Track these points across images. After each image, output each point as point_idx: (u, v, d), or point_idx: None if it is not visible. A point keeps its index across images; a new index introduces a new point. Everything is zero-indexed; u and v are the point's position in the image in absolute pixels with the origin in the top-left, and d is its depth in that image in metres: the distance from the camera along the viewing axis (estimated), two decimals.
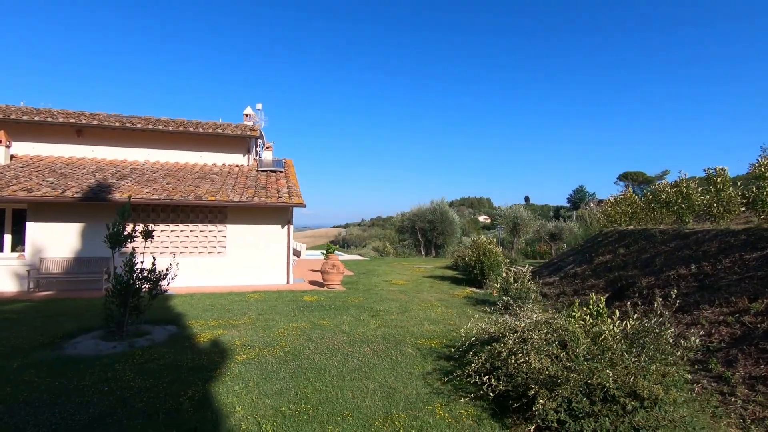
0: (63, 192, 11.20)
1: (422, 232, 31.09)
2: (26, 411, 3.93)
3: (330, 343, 6.32)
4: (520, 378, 3.86)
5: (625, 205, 13.49)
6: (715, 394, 4.51)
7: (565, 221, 31.38)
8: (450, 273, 17.17)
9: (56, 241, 11.72)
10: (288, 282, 13.45)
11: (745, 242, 7.53)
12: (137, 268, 6.68)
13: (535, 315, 5.21)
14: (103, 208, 12.04)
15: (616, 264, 10.39)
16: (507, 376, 4.06)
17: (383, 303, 9.84)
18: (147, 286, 6.81)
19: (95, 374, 4.89)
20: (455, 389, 4.61)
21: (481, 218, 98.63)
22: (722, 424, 3.94)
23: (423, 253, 31.52)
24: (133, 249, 6.89)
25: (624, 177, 78.59)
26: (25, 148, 14.22)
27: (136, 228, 6.95)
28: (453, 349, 5.72)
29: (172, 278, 7.07)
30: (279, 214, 13.51)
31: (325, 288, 12.59)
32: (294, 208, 13.73)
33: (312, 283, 13.84)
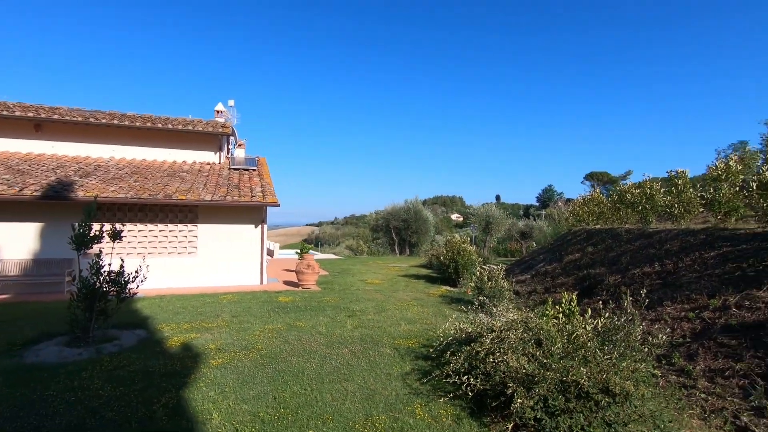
0: (21, 190, 10.61)
1: (396, 231, 31.22)
2: None
3: (307, 345, 6.27)
4: (497, 377, 3.94)
5: (593, 205, 13.99)
6: (679, 387, 4.74)
7: (534, 220, 32.22)
8: (425, 272, 17.32)
9: (13, 242, 11.10)
10: (262, 282, 13.24)
11: (703, 241, 7.95)
12: (104, 271, 6.41)
13: (511, 314, 5.33)
14: (64, 208, 11.49)
15: (584, 262, 10.76)
16: (485, 376, 4.14)
17: (359, 303, 9.83)
18: (115, 289, 6.55)
19: (60, 383, 4.67)
20: (434, 389, 4.67)
21: (454, 216, 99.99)
22: (685, 416, 4.15)
23: (397, 251, 31.67)
24: (100, 250, 6.62)
25: (590, 177, 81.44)
26: None
27: (104, 229, 6.66)
28: (431, 349, 5.79)
29: (142, 281, 6.83)
30: (252, 213, 13.26)
31: (300, 288, 12.47)
32: (268, 208, 13.52)
33: (286, 283, 13.67)
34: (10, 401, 4.21)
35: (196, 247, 12.77)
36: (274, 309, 8.93)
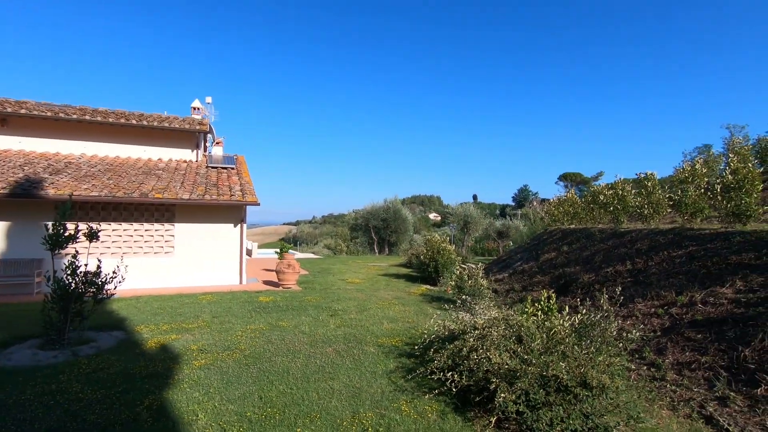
0: None
1: (376, 231, 31.31)
2: None
3: (291, 345, 6.27)
4: (480, 373, 4.07)
5: (567, 205, 14.42)
6: (650, 379, 4.99)
7: (511, 219, 32.87)
8: (404, 271, 17.47)
9: None
10: (241, 282, 13.09)
11: (671, 241, 8.34)
12: (81, 271, 6.24)
13: (493, 312, 5.48)
14: (33, 207, 11.09)
15: (560, 261, 11.10)
16: (468, 372, 4.26)
17: (341, 302, 9.86)
18: (91, 290, 6.38)
19: (37, 387, 4.54)
20: (419, 386, 4.76)
21: (431, 215, 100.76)
22: (656, 407, 4.39)
23: (376, 251, 31.77)
24: (76, 250, 6.44)
25: (563, 177, 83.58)
26: None
27: (79, 228, 6.48)
28: (414, 347, 5.90)
29: (120, 281, 6.68)
30: (231, 212, 13.10)
31: (281, 288, 12.39)
32: (247, 207, 13.37)
33: (266, 282, 13.56)
34: None
35: (173, 247, 12.52)
36: (255, 309, 8.87)
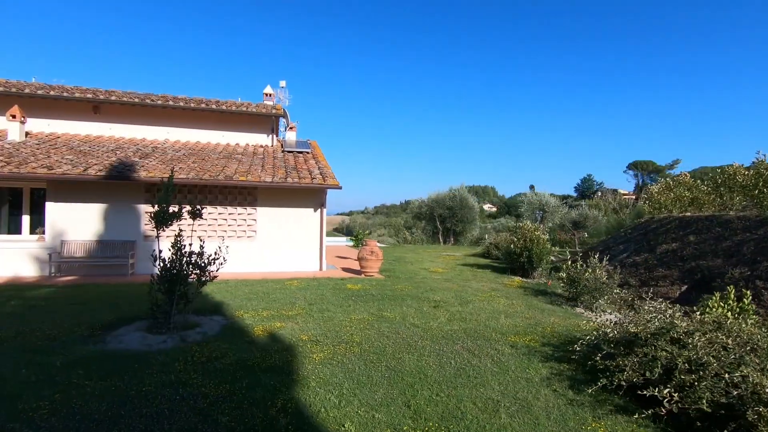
0: (85, 170, 10.36)
1: (441, 219, 30.21)
2: (87, 427, 3.14)
3: (409, 339, 5.52)
4: (730, 398, 3.00)
5: (683, 189, 12.55)
6: None
7: (589, 209, 30.32)
8: (484, 261, 16.36)
9: (77, 223, 10.93)
10: (321, 269, 12.67)
11: None
12: (186, 252, 5.86)
13: (675, 312, 4.35)
14: (126, 189, 11.23)
15: (688, 253, 9.52)
16: (681, 390, 3.23)
17: (436, 293, 9.03)
18: (195, 272, 6.00)
19: (155, 376, 4.10)
20: (597, 401, 3.80)
21: (486, 206, 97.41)
22: None
23: (441, 240, 30.70)
24: (180, 230, 6.08)
25: (633, 166, 77.10)
26: (39, 125, 13.33)
27: (183, 207, 6.11)
28: (557, 348, 4.93)
29: (222, 263, 6.26)
30: (312, 196, 12.66)
31: (363, 275, 11.80)
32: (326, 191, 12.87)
33: (345, 270, 13.06)
34: (108, 396, 3.65)
35: (255, 231, 12.31)
36: (348, 297, 8.26)
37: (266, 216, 12.36)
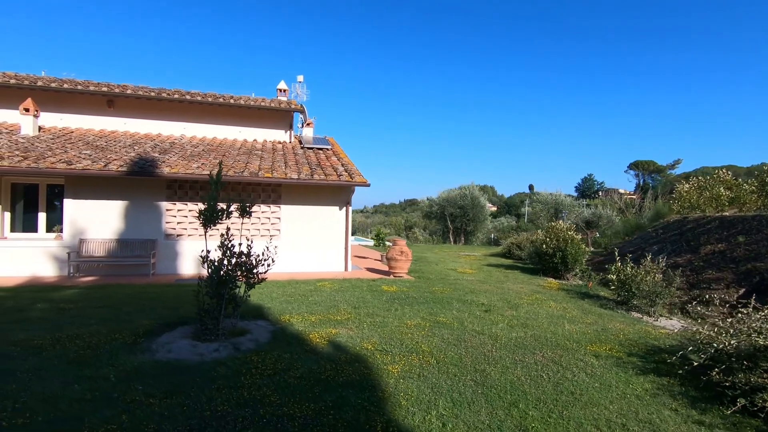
0: (106, 165, 9.88)
1: (452, 219, 29.80)
2: None
3: (480, 348, 5.09)
4: None
5: (723, 188, 12.14)
6: None
7: (603, 208, 29.91)
8: (507, 261, 15.96)
9: (96, 221, 10.45)
10: (346, 269, 12.23)
11: None
12: (236, 252, 5.42)
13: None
14: (146, 185, 10.76)
15: (740, 255, 9.12)
16: None
17: (478, 295, 8.61)
18: (243, 273, 5.56)
19: (223, 392, 3.66)
20: (731, 424, 3.37)
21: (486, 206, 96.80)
22: None
23: (452, 240, 30.30)
24: (228, 228, 5.64)
25: (634, 166, 76.79)
26: (52, 119, 12.84)
27: (232, 204, 5.66)
28: (641, 359, 4.51)
29: (270, 264, 5.82)
30: (337, 194, 12.21)
31: (392, 276, 11.37)
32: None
33: (370, 270, 12.62)
34: (179, 418, 3.20)
35: (279, 230, 11.86)
36: (390, 300, 7.83)
37: (290, 214, 11.92)
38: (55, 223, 10.80)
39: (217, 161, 11.61)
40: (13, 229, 10.46)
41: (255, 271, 5.66)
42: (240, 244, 5.60)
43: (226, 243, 5.44)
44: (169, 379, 3.94)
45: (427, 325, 6.10)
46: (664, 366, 4.57)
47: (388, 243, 18.46)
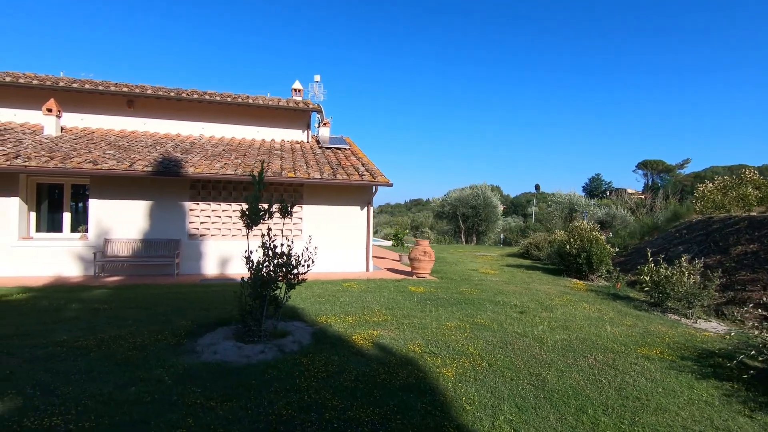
0: (131, 165, 9.88)
1: (464, 218, 29.67)
2: None
3: (528, 351, 5.00)
4: None
5: (750, 188, 11.95)
6: None
7: (617, 208, 29.68)
8: (526, 261, 15.82)
9: (121, 221, 10.45)
10: (368, 269, 12.16)
11: None
12: (278, 252, 5.36)
13: None
14: (169, 185, 10.76)
15: None
16: None
17: (507, 296, 8.50)
18: (282, 273, 5.50)
19: (281, 395, 3.60)
20: None
21: None
22: None
23: (463, 240, 30.17)
24: (269, 228, 5.58)
25: (643, 165, 76.19)
26: (72, 120, 12.88)
27: (273, 204, 5.60)
28: (695, 363, 4.40)
29: (309, 265, 5.75)
30: (359, 194, 12.15)
31: (415, 277, 11.28)
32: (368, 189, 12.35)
33: (391, 270, 12.55)
34: (245, 422, 3.14)
35: (300, 230, 11.81)
36: (421, 301, 7.74)
37: (312, 214, 11.87)
38: (78, 223, 10.82)
39: (239, 161, 11.61)
40: (38, 229, 10.49)
41: (295, 271, 5.59)
42: (282, 245, 5.53)
43: (267, 243, 5.38)
44: (223, 382, 3.89)
45: (466, 326, 6.01)
46: (722, 370, 4.46)
47: (407, 244, 18.34)
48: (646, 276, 8.23)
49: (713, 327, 6.80)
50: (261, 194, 5.49)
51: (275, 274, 5.35)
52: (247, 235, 5.53)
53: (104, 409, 3.28)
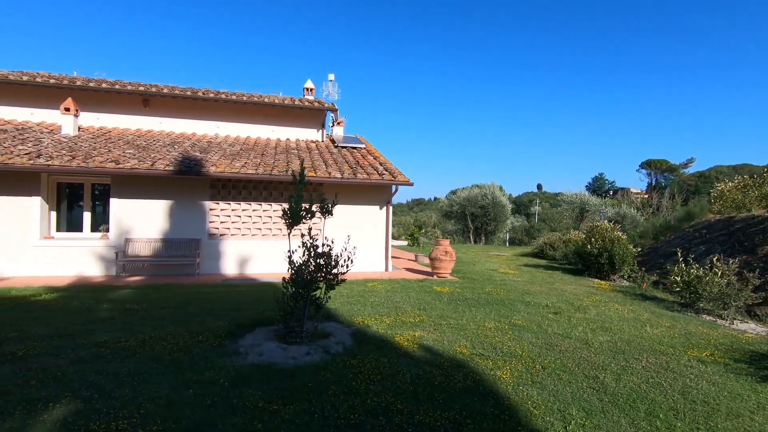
0: (153, 164, 9.81)
1: (473, 218, 29.59)
2: None
3: (578, 354, 4.91)
4: None
5: None
6: None
7: (629, 207, 29.55)
8: (542, 261, 15.72)
9: (142, 221, 10.39)
10: (387, 269, 12.08)
11: None
12: (320, 252, 5.29)
13: None
14: (190, 184, 10.69)
15: None
16: None
17: (534, 296, 8.42)
18: (322, 273, 5.42)
19: (342, 399, 3.52)
20: None
21: None
22: None
23: (472, 239, 30.08)
24: (310, 228, 5.51)
25: (647, 165, 75.90)
26: (88, 119, 12.81)
27: (314, 204, 5.54)
28: (751, 366, 4.33)
29: (348, 264, 5.68)
30: (378, 193, 12.07)
31: (435, 277, 11.20)
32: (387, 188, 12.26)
33: (409, 270, 12.46)
34: (313, 426, 3.06)
35: (320, 230, 11.69)
36: (451, 301, 7.67)
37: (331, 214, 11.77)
38: (98, 223, 10.76)
39: (258, 160, 11.54)
40: (58, 229, 10.43)
41: (335, 271, 5.51)
42: (323, 245, 5.45)
43: (307, 243, 5.31)
44: (277, 384, 3.81)
45: (505, 327, 5.93)
46: None
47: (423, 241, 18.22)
48: (677, 276, 8.14)
49: (752, 328, 6.71)
50: (303, 194, 5.42)
51: (316, 274, 5.28)
52: (289, 234, 5.47)
53: (166, 412, 3.20)
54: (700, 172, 70.02)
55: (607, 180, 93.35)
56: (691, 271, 8.08)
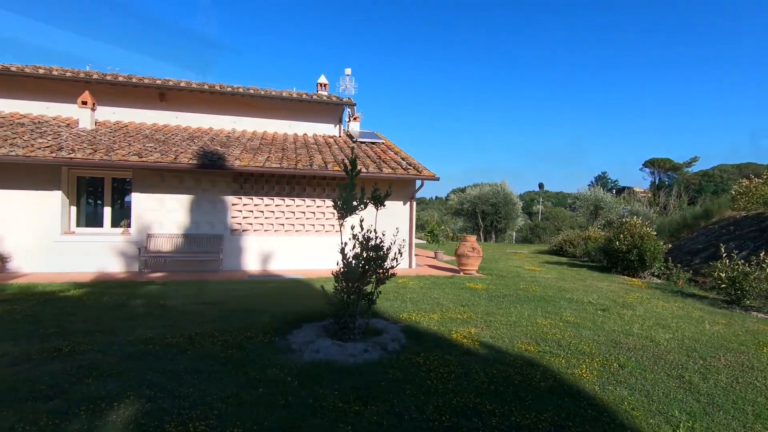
0: (176, 158, 9.58)
1: (483, 216, 29.34)
2: None
3: (649, 352, 4.67)
4: None
5: None
6: None
7: (645, 206, 29.28)
8: (562, 258, 15.47)
9: (163, 216, 10.15)
10: (410, 266, 11.85)
11: None
12: (372, 244, 5.04)
13: None
14: (212, 178, 10.46)
15: None
16: None
17: (572, 293, 8.18)
18: (372, 267, 5.17)
19: (422, 399, 3.28)
20: None
21: None
22: None
23: (482, 237, 29.82)
24: (362, 219, 5.27)
25: (650, 164, 75.55)
26: (105, 113, 12.57)
27: (366, 194, 5.30)
28: None
29: (398, 258, 5.43)
30: (401, 188, 11.82)
31: (462, 273, 10.97)
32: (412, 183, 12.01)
33: (432, 267, 12.22)
34: (409, 429, 2.82)
35: (343, 225, 11.46)
36: (490, 298, 7.42)
37: None
38: (117, 218, 10.52)
39: (280, 154, 11.30)
40: (78, 224, 10.20)
41: (386, 265, 5.27)
42: (375, 238, 5.20)
43: (359, 235, 5.06)
44: (348, 383, 3.57)
45: (560, 324, 5.69)
46: None
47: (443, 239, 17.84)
48: (721, 272, 7.88)
49: None
50: (355, 187, 5.18)
51: (368, 267, 5.04)
52: (341, 226, 5.23)
53: (241, 413, 2.96)
54: (703, 171, 69.61)
55: (610, 179, 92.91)
56: (736, 267, 7.84)
